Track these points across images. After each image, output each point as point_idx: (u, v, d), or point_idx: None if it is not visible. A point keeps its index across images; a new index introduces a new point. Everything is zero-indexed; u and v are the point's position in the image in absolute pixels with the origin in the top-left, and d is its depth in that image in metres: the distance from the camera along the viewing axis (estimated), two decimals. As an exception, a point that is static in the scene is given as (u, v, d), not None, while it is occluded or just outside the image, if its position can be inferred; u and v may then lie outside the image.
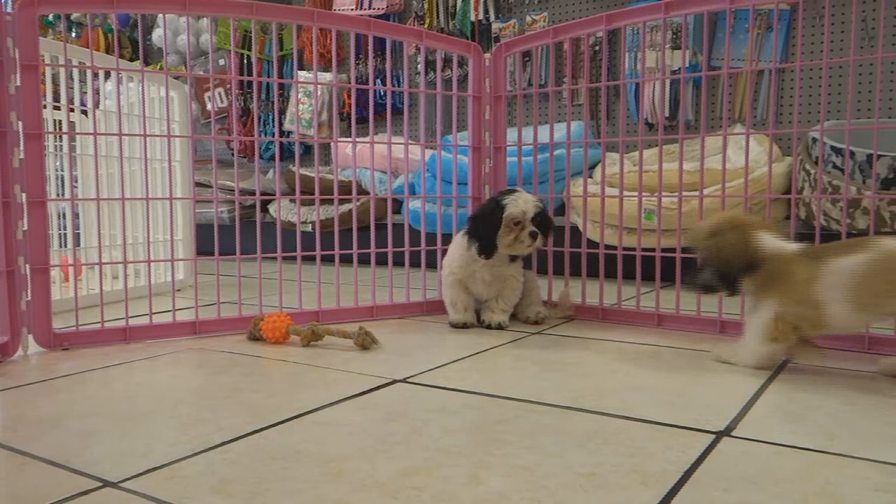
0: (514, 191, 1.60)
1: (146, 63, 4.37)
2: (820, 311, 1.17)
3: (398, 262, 1.87)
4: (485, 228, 1.57)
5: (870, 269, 1.13)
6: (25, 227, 1.43)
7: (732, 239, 1.24)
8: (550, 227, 1.61)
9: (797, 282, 1.19)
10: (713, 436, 0.91)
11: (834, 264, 1.16)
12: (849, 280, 1.14)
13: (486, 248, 1.57)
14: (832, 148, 2.00)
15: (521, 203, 1.55)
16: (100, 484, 0.78)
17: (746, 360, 1.27)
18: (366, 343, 1.43)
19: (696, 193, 1.68)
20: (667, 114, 2.74)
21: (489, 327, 1.65)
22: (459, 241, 1.66)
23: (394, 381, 1.19)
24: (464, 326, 1.65)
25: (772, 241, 1.24)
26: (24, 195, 1.42)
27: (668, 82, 2.70)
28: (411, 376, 1.23)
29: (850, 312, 1.15)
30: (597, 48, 2.89)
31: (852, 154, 1.94)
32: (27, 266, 1.44)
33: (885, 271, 1.13)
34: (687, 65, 2.65)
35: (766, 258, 1.22)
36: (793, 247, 1.24)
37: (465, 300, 1.66)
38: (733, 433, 0.93)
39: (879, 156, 1.90)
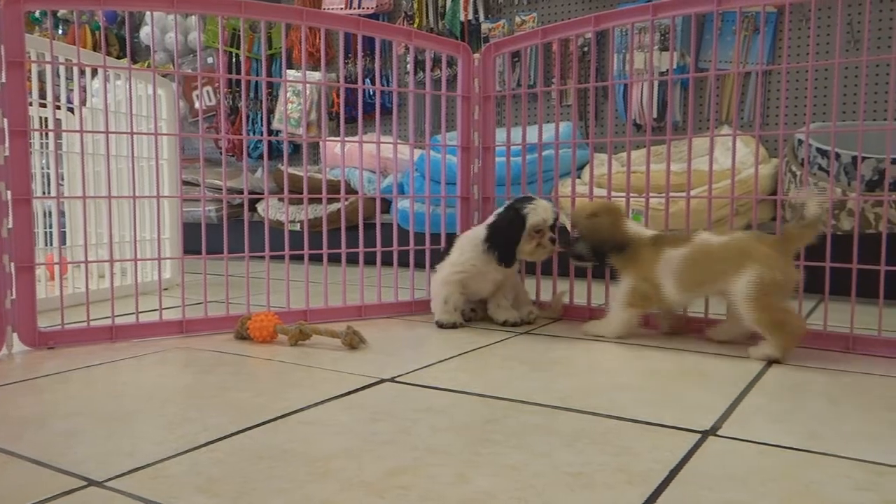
0: (530, 198, 1.62)
1: (134, 61, 4.34)
2: (658, 289, 1.46)
3: (387, 261, 1.87)
4: (507, 238, 1.59)
5: (690, 259, 1.41)
6: (10, 225, 1.42)
7: (607, 221, 1.53)
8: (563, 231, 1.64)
9: (645, 262, 1.47)
10: (699, 435, 0.92)
11: (667, 253, 1.44)
12: (675, 266, 1.43)
13: (507, 256, 1.60)
14: (818, 150, 2.02)
15: (542, 211, 1.58)
16: (84, 483, 0.78)
17: (610, 329, 1.53)
18: (353, 342, 1.43)
19: (684, 194, 1.69)
20: (655, 115, 2.76)
21: (515, 325, 1.67)
22: (471, 241, 1.65)
23: (381, 381, 1.19)
24: (453, 327, 1.65)
25: (634, 227, 1.53)
26: (9, 193, 1.41)
27: (656, 84, 2.71)
28: (399, 375, 1.23)
29: (677, 291, 1.44)
30: (585, 49, 2.90)
31: (837, 156, 1.96)
32: (12, 264, 1.43)
33: (700, 261, 1.41)
34: (675, 66, 2.66)
35: (629, 240, 1.50)
36: (648, 233, 1.51)
37: (457, 300, 1.66)
38: (719, 432, 0.93)
39: (864, 158, 1.91)
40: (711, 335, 1.50)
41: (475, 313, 1.75)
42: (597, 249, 1.54)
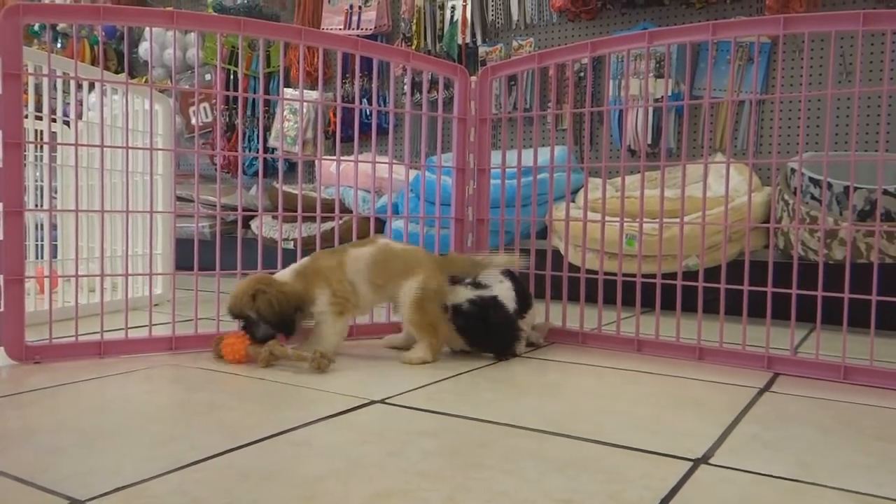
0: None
1: (132, 76, 4.35)
2: (354, 288, 1.51)
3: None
4: None
5: (376, 259, 1.51)
6: (1, 237, 1.41)
7: (273, 294, 1.46)
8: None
9: (331, 270, 1.50)
10: (691, 463, 0.91)
11: (352, 253, 1.52)
12: (363, 265, 1.51)
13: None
14: (810, 179, 2.03)
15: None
16: (67, 502, 0.76)
17: (330, 343, 1.49)
18: (322, 365, 1.39)
19: (677, 220, 1.69)
20: (649, 141, 2.78)
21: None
22: (504, 283, 1.61)
23: (372, 402, 1.18)
24: (462, 350, 1.63)
25: (284, 277, 1.51)
26: (0, 205, 1.40)
27: (650, 110, 2.74)
28: (389, 397, 1.22)
29: (369, 292, 1.52)
30: (581, 74, 2.92)
31: (830, 185, 1.97)
32: (1, 277, 1.41)
33: (381, 262, 1.51)
34: (669, 93, 2.68)
35: (301, 297, 1.48)
36: (302, 266, 1.52)
37: None
38: (711, 461, 0.93)
39: (856, 188, 1.93)
40: (386, 342, 1.63)
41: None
42: (283, 321, 1.47)
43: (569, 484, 0.83)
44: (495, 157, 2.01)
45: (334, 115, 3.58)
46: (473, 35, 3.21)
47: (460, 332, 1.54)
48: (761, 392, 1.30)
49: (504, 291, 1.58)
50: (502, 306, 1.54)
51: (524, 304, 1.62)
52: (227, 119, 3.95)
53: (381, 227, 2.88)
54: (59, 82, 2.05)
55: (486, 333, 1.54)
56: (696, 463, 0.92)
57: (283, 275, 1.53)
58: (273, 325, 1.47)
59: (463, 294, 1.55)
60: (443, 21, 3.28)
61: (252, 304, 1.46)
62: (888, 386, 1.35)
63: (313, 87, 3.68)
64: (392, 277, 1.52)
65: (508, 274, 1.64)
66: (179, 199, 3.52)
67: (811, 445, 1.00)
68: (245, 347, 1.46)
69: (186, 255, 1.74)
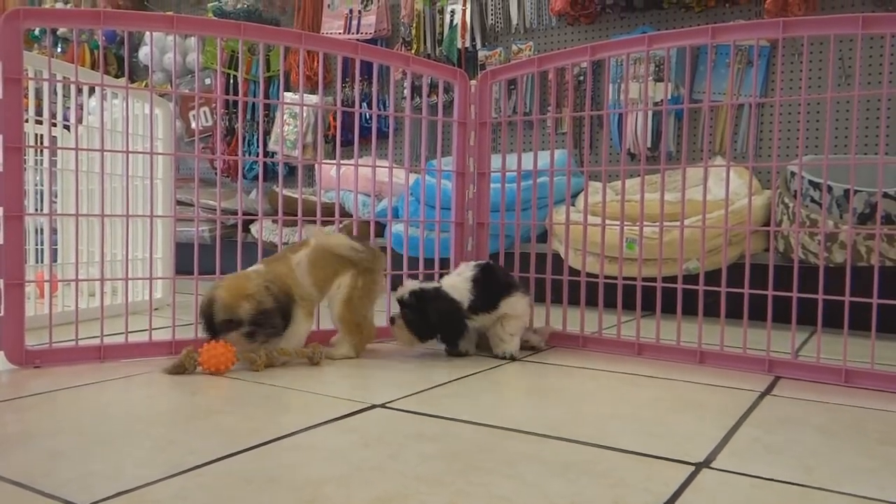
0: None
1: (132, 80, 4.35)
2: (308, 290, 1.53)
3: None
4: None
5: (312, 259, 1.53)
6: (1, 242, 1.41)
7: (276, 280, 1.48)
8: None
9: (287, 274, 1.52)
10: (693, 467, 0.91)
11: (294, 258, 1.54)
12: (304, 270, 1.52)
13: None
14: (810, 182, 2.03)
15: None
16: (66, 507, 0.76)
17: (297, 342, 1.51)
18: (318, 359, 1.46)
19: (677, 224, 1.69)
20: (649, 144, 2.78)
21: (503, 358, 1.60)
22: (465, 274, 1.62)
23: (372, 406, 1.18)
24: (459, 355, 1.63)
25: (258, 283, 1.46)
26: (1, 209, 1.40)
27: (650, 114, 2.74)
28: (390, 401, 1.21)
29: (314, 290, 1.53)
30: (581, 78, 2.92)
31: (830, 188, 1.97)
32: (1, 281, 1.41)
33: (317, 261, 1.54)
34: (669, 97, 2.69)
35: (285, 294, 1.48)
36: (255, 272, 1.50)
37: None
38: (713, 465, 0.92)
39: (856, 191, 1.93)
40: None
41: (483, 341, 1.72)
42: (285, 312, 1.47)
43: (569, 488, 0.83)
44: (495, 161, 2.01)
45: (334, 119, 3.58)
46: (473, 39, 3.22)
47: (408, 326, 1.56)
48: (762, 395, 1.29)
49: (458, 283, 1.58)
50: (444, 297, 1.55)
51: (488, 297, 1.59)
52: (227, 123, 3.95)
53: (381, 230, 2.89)
54: (60, 87, 2.05)
55: (427, 324, 1.55)
56: (698, 467, 0.91)
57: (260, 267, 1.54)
58: (284, 313, 1.47)
59: (407, 287, 1.57)
60: (442, 25, 3.29)
61: (248, 305, 1.41)
62: (890, 389, 1.35)
63: (313, 91, 3.68)
64: (328, 276, 1.56)
65: (482, 267, 1.63)
66: (179, 203, 3.52)
67: (813, 449, 1.00)
68: (234, 354, 1.41)
69: (186, 259, 1.74)
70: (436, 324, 1.55)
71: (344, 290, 1.55)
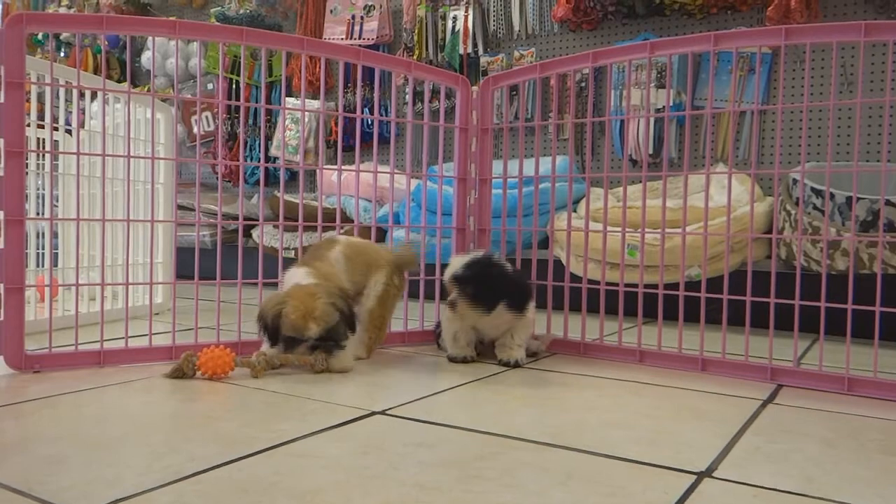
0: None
1: (134, 85, 4.37)
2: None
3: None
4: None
5: (345, 259, 1.55)
6: (2, 246, 1.40)
7: (338, 292, 1.47)
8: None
9: (333, 273, 1.52)
10: (694, 476, 0.91)
11: (330, 257, 1.55)
12: (342, 267, 1.54)
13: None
14: (812, 189, 2.03)
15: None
16: (64, 514, 0.76)
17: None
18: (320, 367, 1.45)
19: (679, 230, 1.69)
20: (651, 151, 2.78)
21: (507, 364, 1.58)
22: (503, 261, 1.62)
23: (372, 413, 1.18)
24: (464, 361, 1.62)
25: (299, 276, 1.49)
26: (1, 213, 1.40)
27: (652, 120, 2.74)
28: (390, 408, 1.21)
29: (350, 287, 1.53)
30: (583, 84, 2.93)
31: (832, 196, 1.97)
32: (1, 285, 1.41)
33: (353, 257, 1.56)
34: (671, 104, 2.69)
35: (345, 300, 1.47)
36: (305, 274, 1.50)
37: (468, 335, 1.62)
38: (714, 474, 0.92)
39: (858, 198, 1.92)
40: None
41: (483, 346, 1.71)
42: (352, 324, 1.48)
43: (570, 497, 0.83)
44: (497, 167, 2.01)
45: (336, 124, 3.58)
46: (475, 45, 3.22)
47: (472, 301, 1.52)
48: (764, 404, 1.29)
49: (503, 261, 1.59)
50: (501, 262, 1.56)
51: (519, 297, 1.59)
52: (229, 128, 3.96)
53: (382, 236, 2.88)
54: (62, 91, 2.05)
55: (492, 291, 1.52)
56: (700, 476, 0.91)
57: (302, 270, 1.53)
58: (349, 322, 1.47)
59: (457, 262, 1.56)
60: (444, 31, 3.29)
61: (324, 324, 1.41)
62: (892, 398, 1.34)
63: (315, 96, 3.69)
64: (364, 272, 1.58)
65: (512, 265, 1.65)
66: (180, 207, 3.52)
67: (815, 458, 0.99)
68: (232, 359, 1.41)
69: (187, 264, 1.73)
70: (502, 287, 1.52)
71: (380, 286, 1.57)
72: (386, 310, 1.59)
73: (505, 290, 1.54)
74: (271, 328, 1.45)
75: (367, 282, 1.58)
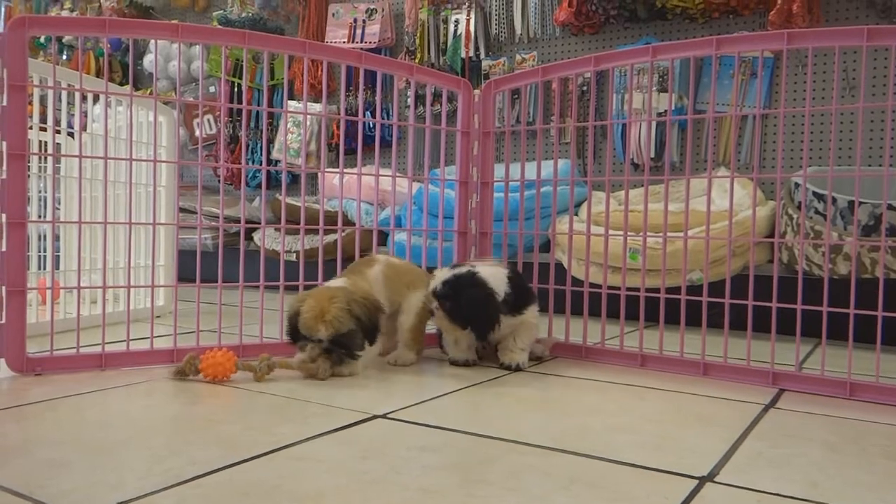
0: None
1: (136, 88, 4.37)
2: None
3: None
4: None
5: (385, 278, 1.60)
6: (3, 249, 1.40)
7: (362, 300, 1.49)
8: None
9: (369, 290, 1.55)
10: (696, 481, 0.90)
11: (369, 274, 1.59)
12: (381, 287, 1.59)
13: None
14: (814, 193, 2.03)
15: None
16: (65, 518, 0.75)
17: (369, 358, 1.55)
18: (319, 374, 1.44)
19: (681, 234, 1.69)
20: (652, 155, 2.78)
21: (508, 368, 1.58)
22: (499, 268, 1.61)
23: (374, 417, 1.17)
24: (465, 364, 1.62)
25: (342, 287, 1.52)
26: (3, 216, 1.40)
27: (654, 124, 2.74)
28: (392, 412, 1.21)
29: (386, 305, 1.57)
30: (584, 88, 2.93)
31: (834, 200, 1.97)
32: (3, 288, 1.41)
33: (393, 277, 1.62)
34: (673, 108, 2.69)
35: (374, 303, 1.52)
36: (340, 280, 1.57)
37: (468, 339, 1.61)
38: (717, 479, 0.92)
39: (861, 203, 1.92)
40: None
41: (485, 350, 1.71)
42: (374, 329, 1.50)
43: (573, 501, 0.82)
44: (498, 171, 2.01)
45: (338, 127, 3.58)
46: (477, 49, 3.22)
47: (449, 316, 1.55)
48: (766, 408, 1.29)
49: (495, 273, 1.57)
50: (480, 283, 1.54)
51: (518, 300, 1.59)
52: (231, 131, 3.96)
53: (383, 239, 2.88)
54: (64, 94, 2.05)
55: (460, 314, 1.54)
56: (702, 481, 0.90)
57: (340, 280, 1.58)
58: (367, 333, 1.48)
59: (439, 277, 1.58)
60: (446, 35, 3.30)
61: (333, 328, 1.41)
62: (894, 403, 1.34)
63: (317, 99, 3.69)
64: (401, 291, 1.64)
65: (512, 267, 1.66)
66: (182, 210, 3.53)
67: (818, 463, 0.99)
68: (234, 363, 1.41)
69: (189, 267, 1.73)
70: (473, 310, 1.53)
71: (419, 303, 1.63)
72: (423, 323, 1.65)
73: (475, 314, 1.54)
74: (290, 325, 1.48)
75: (402, 301, 1.63)
